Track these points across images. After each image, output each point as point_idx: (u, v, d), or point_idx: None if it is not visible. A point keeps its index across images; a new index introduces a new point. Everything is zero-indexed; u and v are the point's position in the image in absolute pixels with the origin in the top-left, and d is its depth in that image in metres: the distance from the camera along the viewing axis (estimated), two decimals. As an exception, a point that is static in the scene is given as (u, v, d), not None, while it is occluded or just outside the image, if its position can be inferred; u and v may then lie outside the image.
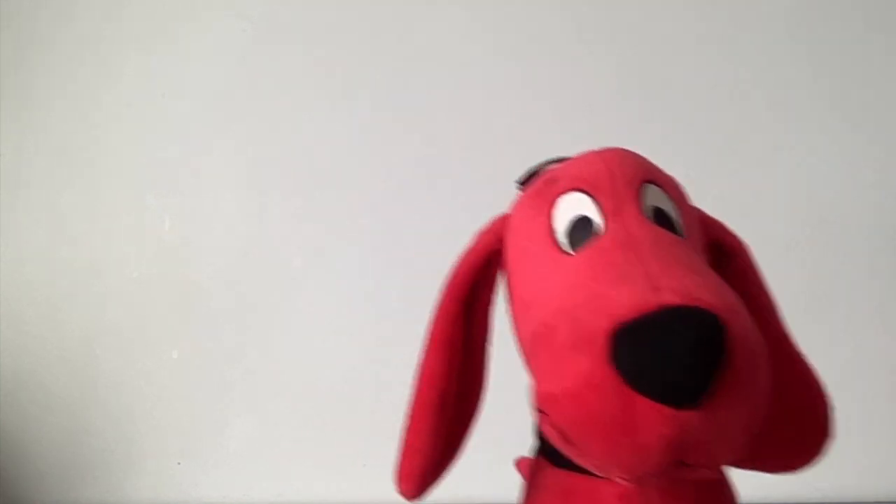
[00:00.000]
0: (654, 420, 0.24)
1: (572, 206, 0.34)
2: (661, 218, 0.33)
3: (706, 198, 0.99)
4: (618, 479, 0.29)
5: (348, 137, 1.03)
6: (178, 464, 1.04)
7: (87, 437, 1.05)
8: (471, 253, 0.43)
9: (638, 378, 0.24)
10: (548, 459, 0.40)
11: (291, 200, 1.03)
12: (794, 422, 0.38)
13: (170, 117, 1.05)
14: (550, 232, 0.35)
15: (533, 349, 0.31)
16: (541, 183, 0.40)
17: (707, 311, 0.24)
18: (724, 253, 0.40)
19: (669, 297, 0.25)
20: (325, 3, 1.03)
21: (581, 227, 0.33)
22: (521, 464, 0.51)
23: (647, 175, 0.35)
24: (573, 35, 1.01)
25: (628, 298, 0.26)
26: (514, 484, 0.49)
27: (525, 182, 0.45)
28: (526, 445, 0.47)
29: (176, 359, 1.04)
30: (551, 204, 0.36)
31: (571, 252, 0.33)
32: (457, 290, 0.42)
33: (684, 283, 0.26)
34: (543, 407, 0.28)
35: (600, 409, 0.25)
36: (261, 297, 1.03)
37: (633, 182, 0.34)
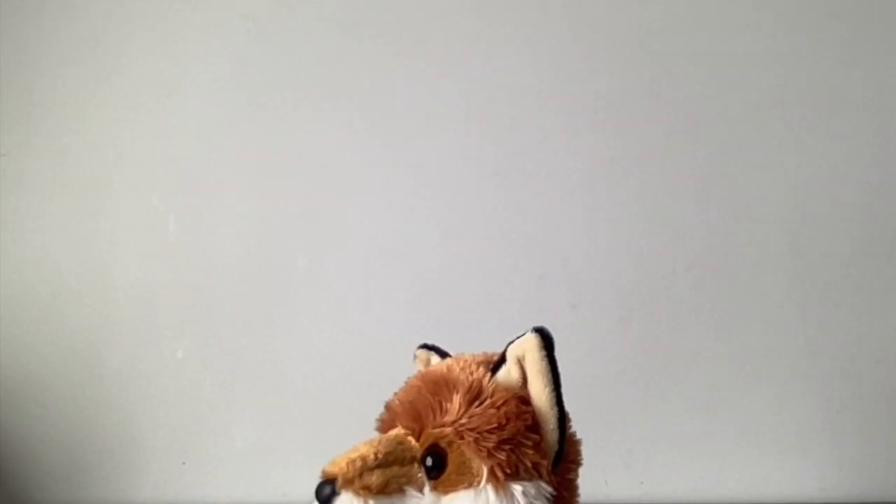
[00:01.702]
0: None
1: None
2: None
3: (709, 198, 1.00)
4: None
5: (353, 138, 1.03)
6: (183, 463, 1.04)
7: (91, 437, 1.05)
8: None
9: None
10: None
11: (296, 201, 1.04)
12: None
13: (174, 118, 1.05)
14: None
15: None
16: None
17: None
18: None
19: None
20: (330, 3, 1.03)
21: None
22: None
23: None
24: (575, 35, 1.02)
25: None
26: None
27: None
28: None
29: (181, 358, 1.04)
30: None
31: None
32: None
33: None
34: None
35: None
36: (265, 297, 1.03)
37: None
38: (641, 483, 0.95)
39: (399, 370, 1.01)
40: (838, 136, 0.98)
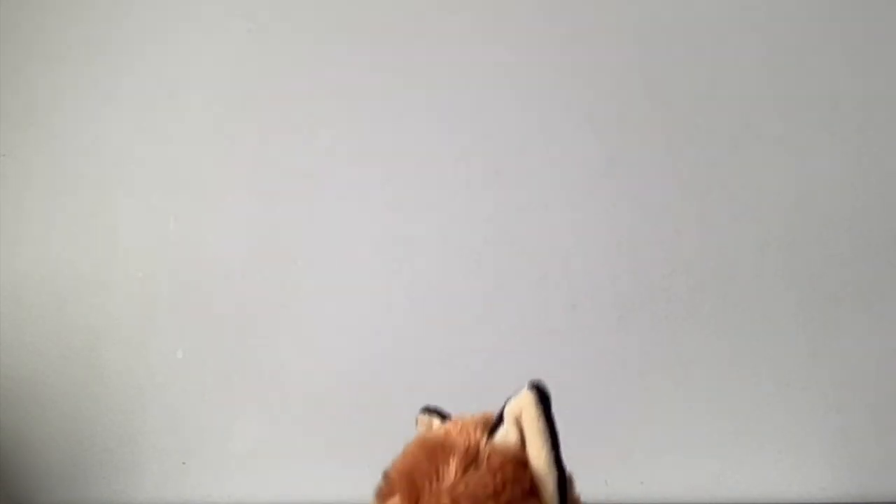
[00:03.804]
0: None
1: None
2: None
3: (708, 198, 1.00)
4: None
5: (353, 140, 1.03)
6: (183, 464, 1.04)
7: (91, 437, 1.05)
8: None
9: None
10: None
11: (296, 201, 1.04)
12: None
13: (175, 118, 1.05)
14: None
15: None
16: None
17: None
18: None
19: None
20: (331, 4, 1.04)
21: None
22: None
23: None
24: (576, 35, 1.02)
25: None
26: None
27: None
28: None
29: (181, 359, 1.04)
30: None
31: None
32: None
33: None
34: None
35: None
36: (265, 297, 1.03)
37: None
38: (641, 483, 0.95)
39: (398, 370, 1.02)
40: (838, 136, 0.98)
